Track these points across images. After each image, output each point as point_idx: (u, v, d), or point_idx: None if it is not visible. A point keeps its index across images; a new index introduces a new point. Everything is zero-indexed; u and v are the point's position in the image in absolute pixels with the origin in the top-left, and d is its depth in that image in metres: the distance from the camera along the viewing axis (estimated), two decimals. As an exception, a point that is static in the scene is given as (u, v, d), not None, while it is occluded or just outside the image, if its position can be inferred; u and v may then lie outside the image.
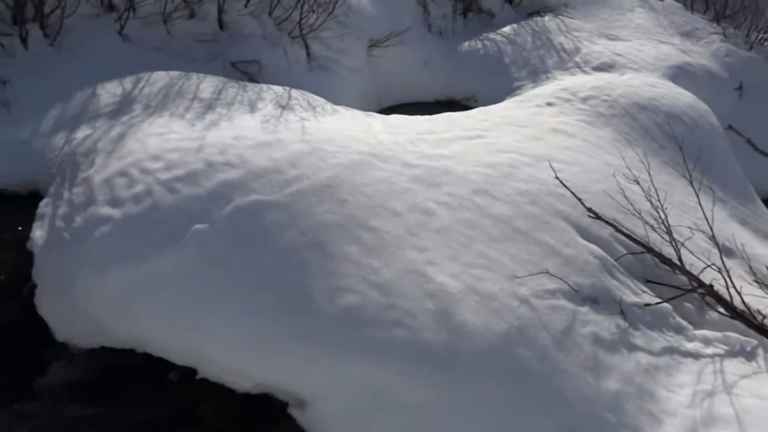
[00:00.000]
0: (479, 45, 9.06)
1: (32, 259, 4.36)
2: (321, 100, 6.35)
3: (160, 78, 5.91)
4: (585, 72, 8.46)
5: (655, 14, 10.47)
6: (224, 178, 4.34)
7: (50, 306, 4.12)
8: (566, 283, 4.18)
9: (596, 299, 4.24)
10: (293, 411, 3.79)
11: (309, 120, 5.54)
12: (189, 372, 3.96)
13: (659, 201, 4.77)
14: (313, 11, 7.37)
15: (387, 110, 7.55)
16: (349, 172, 4.60)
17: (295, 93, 6.29)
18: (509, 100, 7.63)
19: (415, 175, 4.77)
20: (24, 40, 5.98)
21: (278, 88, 6.29)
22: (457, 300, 3.87)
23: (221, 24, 7.28)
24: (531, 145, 5.66)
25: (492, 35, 9.21)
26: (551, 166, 4.91)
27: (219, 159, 4.48)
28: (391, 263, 4.02)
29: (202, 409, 3.88)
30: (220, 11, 7.20)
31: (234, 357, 3.86)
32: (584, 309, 4.11)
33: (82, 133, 5.17)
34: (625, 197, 4.86)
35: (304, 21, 7.32)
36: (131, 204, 4.21)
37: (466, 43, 9.05)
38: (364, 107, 7.13)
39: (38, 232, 4.38)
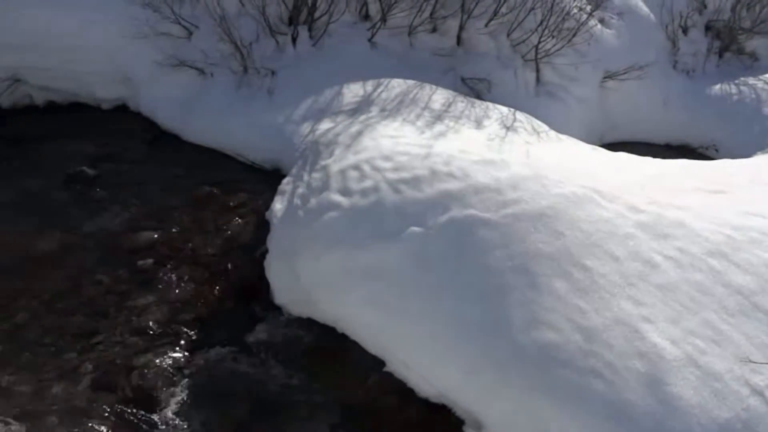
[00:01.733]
0: (733, 89, 8.03)
1: (268, 228, 5.01)
2: (545, 127, 6.23)
3: (397, 85, 6.37)
4: None
5: None
6: (445, 187, 4.48)
7: (275, 271, 4.69)
8: (817, 384, 3.47)
9: None
10: (468, 431, 3.76)
11: (533, 144, 5.46)
12: (377, 363, 4.18)
13: None
14: (553, 36, 7.25)
15: (609, 146, 7.08)
16: (569, 204, 4.41)
17: (520, 116, 6.27)
18: (763, 155, 6.62)
19: (641, 221, 4.39)
20: (294, 39, 6.92)
21: (504, 109, 6.33)
22: (673, 368, 3.46)
23: (459, 40, 7.56)
24: (790, 212, 4.82)
25: (752, 80, 8.09)
26: (818, 243, 4.13)
27: (443, 169, 4.64)
28: (600, 309, 3.75)
29: (382, 401, 4.04)
30: (461, 28, 7.47)
31: (421, 360, 3.97)
32: (837, 422, 3.37)
33: (325, 125, 5.80)
34: None
35: (541, 45, 7.23)
36: (359, 196, 4.58)
37: (717, 86, 8.09)
38: (587, 139, 6.80)
39: (278, 205, 5.00)
